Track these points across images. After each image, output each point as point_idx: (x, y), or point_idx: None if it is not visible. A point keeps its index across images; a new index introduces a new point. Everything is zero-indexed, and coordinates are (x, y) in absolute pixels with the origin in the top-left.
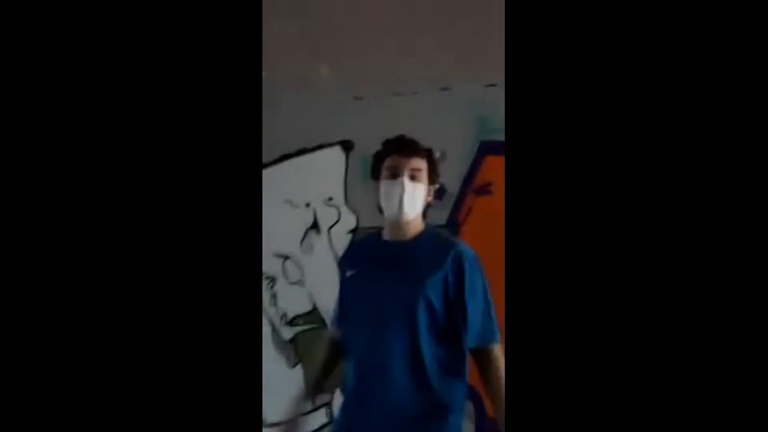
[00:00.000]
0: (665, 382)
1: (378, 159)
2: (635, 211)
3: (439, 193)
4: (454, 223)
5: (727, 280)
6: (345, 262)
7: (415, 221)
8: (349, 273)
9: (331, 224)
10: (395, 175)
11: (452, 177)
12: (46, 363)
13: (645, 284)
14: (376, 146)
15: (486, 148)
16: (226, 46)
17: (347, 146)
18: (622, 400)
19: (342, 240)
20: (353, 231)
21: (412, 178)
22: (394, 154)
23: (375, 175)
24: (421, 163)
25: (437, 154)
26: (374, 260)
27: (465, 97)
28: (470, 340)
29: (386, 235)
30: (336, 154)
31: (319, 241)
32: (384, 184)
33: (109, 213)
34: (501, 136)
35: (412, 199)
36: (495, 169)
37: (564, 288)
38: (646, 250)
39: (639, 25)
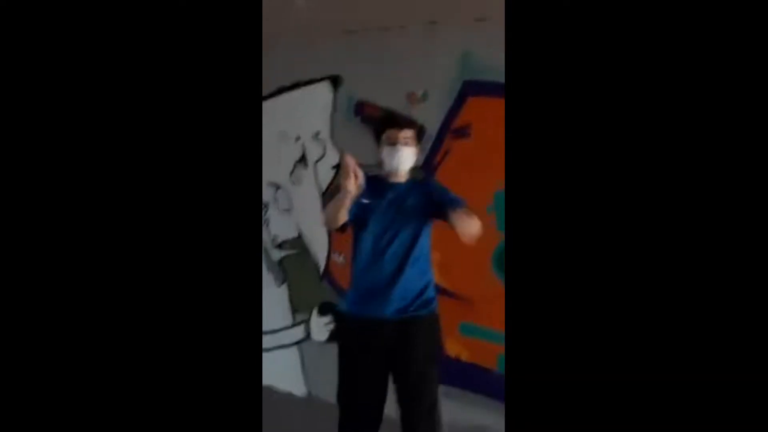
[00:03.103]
0: (665, 381)
1: (378, 131)
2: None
3: (420, 135)
4: (429, 165)
5: (724, 274)
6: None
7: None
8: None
9: (317, 158)
10: (393, 143)
11: (432, 118)
12: (36, 351)
13: (647, 258)
14: (364, 84)
15: (469, 89)
16: None
17: (336, 81)
18: (622, 397)
19: (326, 174)
20: (336, 167)
21: (405, 144)
22: (390, 128)
23: (377, 142)
24: (410, 133)
25: (420, 93)
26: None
27: (453, 31)
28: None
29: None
30: (325, 89)
31: (306, 174)
32: (385, 150)
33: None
34: (486, 75)
35: (406, 159)
36: (475, 111)
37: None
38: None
39: None
